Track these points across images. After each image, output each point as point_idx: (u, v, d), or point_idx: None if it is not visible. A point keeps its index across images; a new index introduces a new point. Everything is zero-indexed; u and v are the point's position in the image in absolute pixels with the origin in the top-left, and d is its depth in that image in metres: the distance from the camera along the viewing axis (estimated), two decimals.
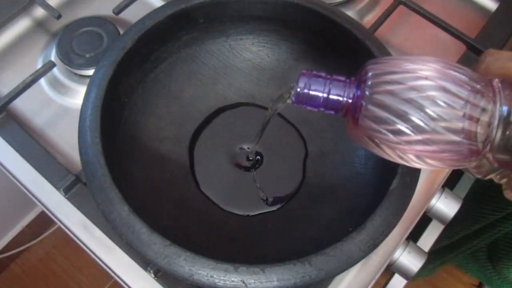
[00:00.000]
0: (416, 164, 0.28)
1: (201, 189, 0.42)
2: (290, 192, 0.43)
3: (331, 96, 0.30)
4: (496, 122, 0.25)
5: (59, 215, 0.41)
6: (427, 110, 0.25)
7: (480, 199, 0.63)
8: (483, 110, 0.25)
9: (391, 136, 0.26)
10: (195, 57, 0.45)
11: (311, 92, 0.30)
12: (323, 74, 0.31)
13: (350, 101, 0.30)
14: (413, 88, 0.26)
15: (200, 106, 0.45)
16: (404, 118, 0.26)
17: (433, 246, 0.75)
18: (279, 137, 0.45)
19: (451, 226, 0.67)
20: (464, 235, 0.69)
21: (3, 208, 0.94)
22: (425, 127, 0.25)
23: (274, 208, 0.42)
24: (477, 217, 0.63)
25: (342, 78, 0.30)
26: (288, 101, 0.33)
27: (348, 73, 0.32)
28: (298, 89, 0.31)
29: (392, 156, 0.28)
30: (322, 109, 0.31)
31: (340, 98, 0.30)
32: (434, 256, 0.79)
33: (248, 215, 0.41)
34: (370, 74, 0.28)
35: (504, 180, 0.29)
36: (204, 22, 0.43)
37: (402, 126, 0.26)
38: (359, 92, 0.28)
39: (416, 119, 0.25)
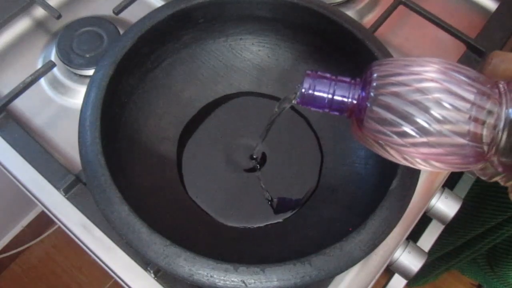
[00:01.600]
0: (421, 166, 0.28)
1: (199, 204, 0.41)
2: (297, 201, 0.41)
3: (335, 97, 0.30)
4: (502, 124, 0.25)
5: (59, 215, 0.41)
6: (433, 112, 0.25)
7: (481, 202, 0.63)
8: (489, 112, 0.25)
9: (396, 138, 0.26)
10: (195, 57, 0.45)
11: (316, 93, 0.30)
12: (328, 75, 0.31)
13: (355, 102, 0.29)
14: (418, 90, 0.26)
15: (200, 106, 0.45)
16: (410, 120, 0.26)
17: (437, 252, 0.75)
18: (289, 135, 0.45)
19: (454, 231, 0.68)
20: (467, 240, 0.68)
21: (3, 208, 0.94)
22: (431, 129, 0.25)
23: (279, 219, 0.41)
24: (478, 221, 0.63)
25: (347, 79, 0.30)
26: (293, 101, 0.33)
27: (348, 73, 0.32)
28: (303, 90, 0.30)
29: (396, 157, 0.28)
30: (326, 110, 0.31)
31: (345, 99, 0.30)
32: (439, 262, 0.79)
33: (250, 227, 0.41)
34: (375, 75, 0.28)
35: (509, 183, 0.29)
36: (204, 22, 0.43)
37: (407, 128, 0.26)
38: (364, 93, 0.28)
39: (421, 121, 0.25)
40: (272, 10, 0.43)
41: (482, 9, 0.56)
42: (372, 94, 0.27)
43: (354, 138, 0.30)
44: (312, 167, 0.43)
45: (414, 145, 0.26)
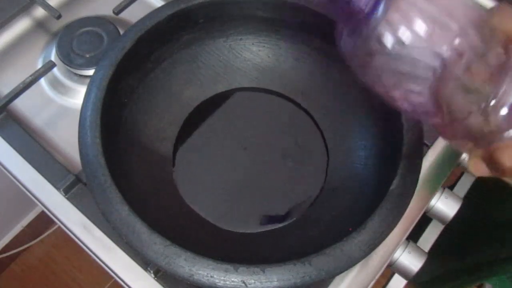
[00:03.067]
0: (389, 95, 0.27)
1: (196, 210, 0.40)
2: (300, 206, 0.41)
3: None
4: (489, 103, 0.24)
5: (59, 215, 0.41)
6: (424, 27, 0.24)
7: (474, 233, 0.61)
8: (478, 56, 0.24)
9: (380, 57, 0.25)
10: (195, 57, 0.45)
11: None
12: None
13: (364, 8, 0.27)
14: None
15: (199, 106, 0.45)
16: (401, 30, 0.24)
17: (424, 277, 0.71)
18: (294, 135, 0.44)
19: (445, 256, 0.65)
20: (456, 268, 0.66)
21: (3, 208, 0.94)
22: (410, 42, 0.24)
23: (281, 224, 0.40)
24: (470, 252, 0.62)
25: None
26: None
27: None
28: None
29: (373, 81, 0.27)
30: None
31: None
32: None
33: (249, 233, 0.40)
34: None
35: (469, 146, 0.27)
36: (204, 22, 0.43)
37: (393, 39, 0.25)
38: (375, 4, 0.26)
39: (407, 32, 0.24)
40: (272, 10, 0.43)
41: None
42: (382, 7, 0.25)
43: (340, 51, 0.29)
44: (317, 170, 0.43)
45: (389, 54, 0.25)
